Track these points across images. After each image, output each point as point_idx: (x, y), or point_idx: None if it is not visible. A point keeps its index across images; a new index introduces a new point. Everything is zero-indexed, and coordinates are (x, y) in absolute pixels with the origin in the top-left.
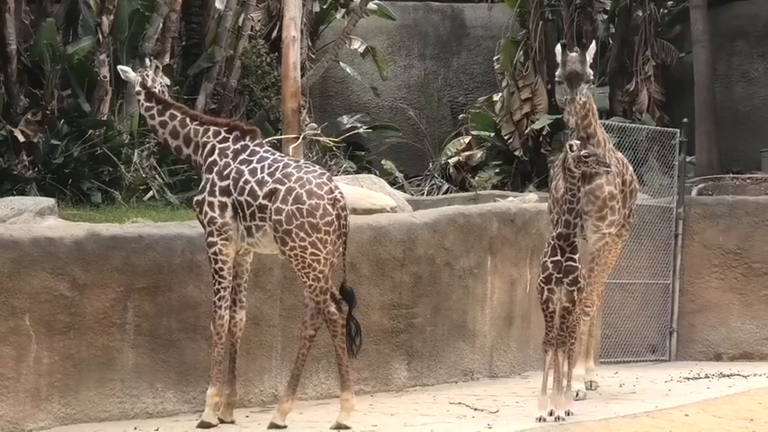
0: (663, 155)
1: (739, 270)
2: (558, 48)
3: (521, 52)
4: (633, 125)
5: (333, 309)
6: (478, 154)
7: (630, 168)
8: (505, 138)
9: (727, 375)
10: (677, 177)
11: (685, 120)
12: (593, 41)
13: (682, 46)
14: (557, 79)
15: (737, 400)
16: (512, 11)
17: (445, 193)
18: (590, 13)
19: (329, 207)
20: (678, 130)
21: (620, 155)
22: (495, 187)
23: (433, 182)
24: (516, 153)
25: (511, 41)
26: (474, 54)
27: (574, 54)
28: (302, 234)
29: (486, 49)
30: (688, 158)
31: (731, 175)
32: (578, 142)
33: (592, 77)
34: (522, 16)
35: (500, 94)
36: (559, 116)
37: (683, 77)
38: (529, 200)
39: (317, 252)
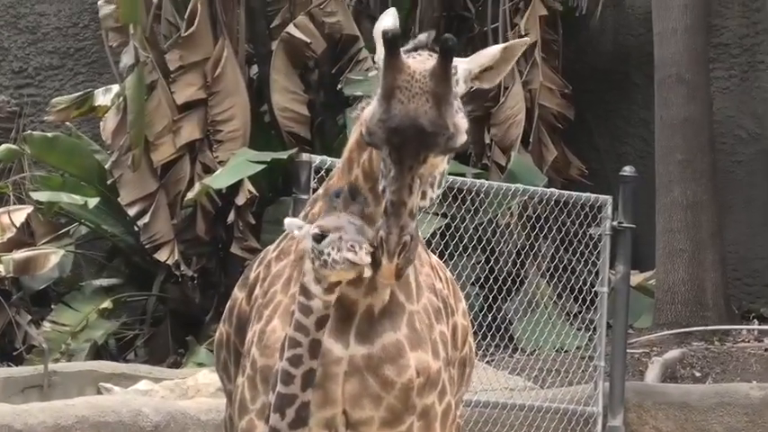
0: None
1: None
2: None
3: None
4: None
5: None
6: (53, 259)
7: (463, 303)
8: (129, 211)
9: None
10: None
11: None
12: None
13: None
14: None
15: None
16: None
17: None
18: None
19: None
20: None
21: (434, 259)
22: (99, 353)
23: None
24: (161, 256)
25: None
26: None
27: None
28: None
29: None
30: None
31: None
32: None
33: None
34: None
35: (115, 88)
36: (294, 151)
37: None
38: (197, 389)
39: None
